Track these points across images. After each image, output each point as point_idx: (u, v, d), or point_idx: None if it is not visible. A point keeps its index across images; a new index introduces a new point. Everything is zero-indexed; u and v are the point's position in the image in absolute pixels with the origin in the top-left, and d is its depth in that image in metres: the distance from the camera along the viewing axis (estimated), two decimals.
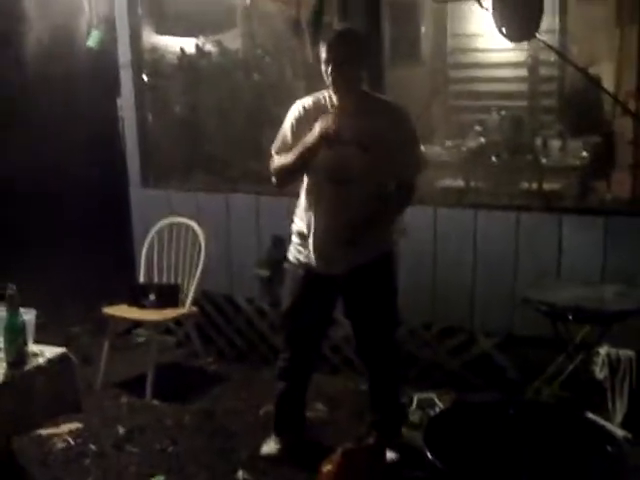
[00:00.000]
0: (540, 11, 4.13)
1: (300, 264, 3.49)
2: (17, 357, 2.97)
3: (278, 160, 3.41)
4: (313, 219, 3.39)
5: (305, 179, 3.43)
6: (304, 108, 3.37)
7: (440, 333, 4.53)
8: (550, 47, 4.86)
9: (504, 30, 4.11)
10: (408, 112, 3.45)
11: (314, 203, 3.39)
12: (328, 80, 3.25)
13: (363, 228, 3.29)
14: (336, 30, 3.36)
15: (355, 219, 3.27)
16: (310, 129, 3.23)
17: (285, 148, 3.40)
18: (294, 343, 3.63)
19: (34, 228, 5.36)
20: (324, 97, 3.37)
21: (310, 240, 3.40)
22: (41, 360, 3.03)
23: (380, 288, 3.52)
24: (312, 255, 3.40)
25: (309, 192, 3.41)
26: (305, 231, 3.43)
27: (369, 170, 3.27)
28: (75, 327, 5.48)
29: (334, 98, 3.31)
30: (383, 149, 3.26)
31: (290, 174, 3.38)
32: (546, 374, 3.97)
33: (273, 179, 3.45)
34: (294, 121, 3.38)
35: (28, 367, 2.98)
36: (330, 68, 3.20)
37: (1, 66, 5.15)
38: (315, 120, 3.24)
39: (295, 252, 3.52)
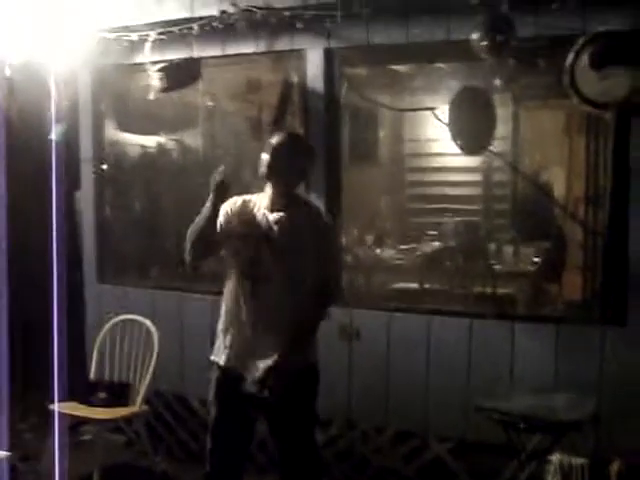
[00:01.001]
0: (493, 125, 4.31)
1: (219, 367, 3.42)
2: None
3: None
4: (231, 317, 3.37)
5: (227, 278, 3.42)
6: (236, 205, 3.40)
7: (393, 437, 4.50)
8: (500, 157, 5.03)
9: (459, 142, 4.26)
10: (332, 225, 3.56)
11: (232, 301, 3.37)
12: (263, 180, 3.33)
13: (279, 330, 3.26)
14: (277, 137, 3.39)
15: (271, 320, 3.26)
16: (240, 225, 3.33)
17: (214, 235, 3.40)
18: (213, 460, 3.48)
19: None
20: (254, 199, 3.42)
21: (228, 337, 3.37)
22: None
23: (302, 409, 3.42)
24: (228, 353, 3.36)
25: (228, 290, 3.40)
26: (223, 329, 3.40)
27: (285, 270, 3.27)
28: (21, 423, 5.32)
29: (265, 198, 3.36)
30: (301, 252, 3.28)
31: (199, 235, 3.32)
32: None
33: (186, 255, 3.39)
34: (228, 214, 3.39)
35: None
36: (265, 171, 3.29)
37: None
38: (248, 216, 3.34)
39: (216, 351, 3.45)
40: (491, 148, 4.47)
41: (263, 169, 3.31)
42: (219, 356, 3.42)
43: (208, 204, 3.28)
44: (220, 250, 3.43)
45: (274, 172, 3.29)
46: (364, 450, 4.54)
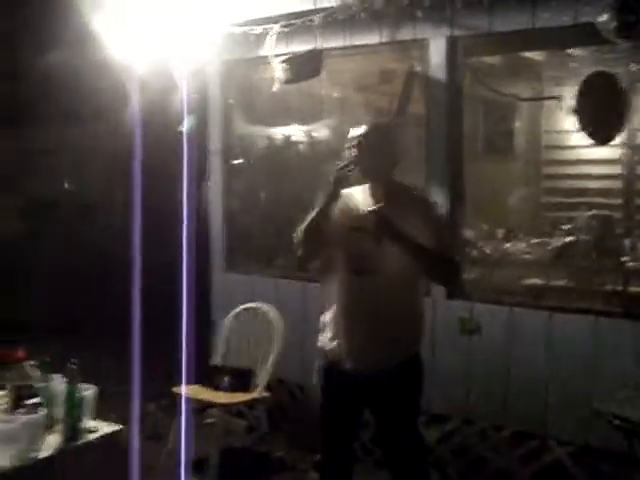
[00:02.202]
0: (624, 112, 4.08)
1: (327, 359, 3.40)
2: (71, 432, 3.03)
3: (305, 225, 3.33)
4: (338, 313, 3.34)
5: (334, 270, 3.38)
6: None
7: (511, 437, 4.35)
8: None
9: (588, 131, 4.07)
10: (433, 204, 3.46)
11: (338, 297, 3.34)
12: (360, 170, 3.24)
13: (387, 322, 3.23)
14: (367, 124, 3.33)
15: (378, 313, 3.22)
16: (344, 219, 3.27)
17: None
18: (327, 448, 3.51)
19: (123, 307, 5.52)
20: (355, 192, 3.36)
21: (336, 328, 3.35)
22: (94, 436, 3.09)
23: (407, 395, 3.36)
24: (337, 347, 3.33)
25: (334, 286, 3.37)
26: (331, 324, 3.38)
27: (390, 262, 3.19)
28: (152, 403, 5.56)
29: (366, 190, 3.33)
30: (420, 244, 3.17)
31: (313, 232, 3.26)
32: None
33: (299, 253, 3.35)
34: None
35: (81, 442, 3.04)
36: (360, 159, 3.21)
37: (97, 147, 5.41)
38: (351, 209, 3.29)
39: (323, 340, 3.43)
40: (633, 140, 4.24)
41: (354, 162, 3.22)
42: (327, 345, 3.41)
43: (323, 199, 3.23)
44: (331, 247, 3.37)
45: (364, 163, 3.22)
46: (480, 448, 4.42)
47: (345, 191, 3.35)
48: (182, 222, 5.11)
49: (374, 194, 3.31)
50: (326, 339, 3.42)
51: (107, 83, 5.27)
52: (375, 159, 3.25)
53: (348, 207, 3.33)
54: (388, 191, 3.30)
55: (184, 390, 4.70)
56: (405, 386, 3.35)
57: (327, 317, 3.43)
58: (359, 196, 3.36)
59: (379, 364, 3.26)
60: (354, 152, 3.24)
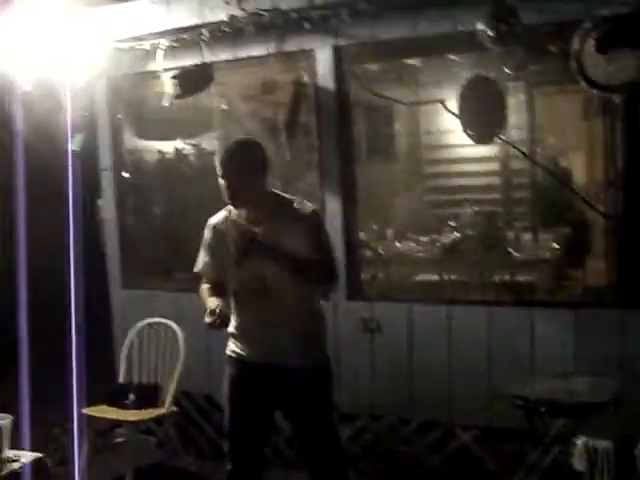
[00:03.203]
0: (503, 113, 4.33)
1: (233, 359, 3.48)
2: None
3: (201, 291, 3.50)
4: (241, 323, 3.43)
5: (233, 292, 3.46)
6: (215, 229, 3.46)
7: (418, 428, 4.54)
8: (516, 145, 5.04)
9: (469, 132, 4.29)
10: (318, 215, 3.49)
11: (239, 310, 3.43)
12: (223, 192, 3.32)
13: (287, 325, 3.33)
14: (223, 148, 3.42)
15: (278, 318, 3.31)
16: (226, 246, 3.35)
17: (208, 271, 3.50)
18: (235, 455, 3.53)
19: (16, 331, 5.37)
20: (234, 213, 3.43)
21: (241, 335, 3.43)
22: (16, 466, 3.04)
23: (319, 396, 3.46)
24: (243, 345, 3.42)
25: (234, 300, 3.45)
26: (235, 331, 3.46)
27: (283, 279, 3.29)
28: (56, 427, 5.43)
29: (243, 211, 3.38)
30: (291, 253, 3.27)
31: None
32: (525, 467, 3.98)
33: None
34: (209, 244, 3.49)
35: (3, 473, 2.98)
36: (221, 183, 3.30)
37: None
38: (229, 235, 3.36)
39: (230, 347, 3.51)
40: (507, 137, 4.49)
41: (223, 193, 3.31)
42: (234, 352, 3.48)
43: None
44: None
45: (233, 192, 3.28)
46: (390, 442, 4.59)
47: (223, 213, 3.46)
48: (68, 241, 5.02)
49: (249, 216, 3.36)
50: (233, 347, 3.49)
51: None
52: (236, 187, 3.27)
53: (230, 230, 3.39)
54: (264, 210, 3.34)
55: (89, 411, 4.64)
56: (314, 384, 3.43)
57: (231, 327, 3.48)
58: (240, 216, 3.41)
59: (284, 364, 3.33)
60: (222, 183, 3.29)
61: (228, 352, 3.52)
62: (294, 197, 3.46)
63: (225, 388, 3.53)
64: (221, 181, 3.30)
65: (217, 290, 3.42)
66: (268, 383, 3.38)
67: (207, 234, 3.50)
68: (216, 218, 3.50)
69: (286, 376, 3.34)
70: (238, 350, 3.46)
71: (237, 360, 3.46)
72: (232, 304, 3.44)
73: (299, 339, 3.36)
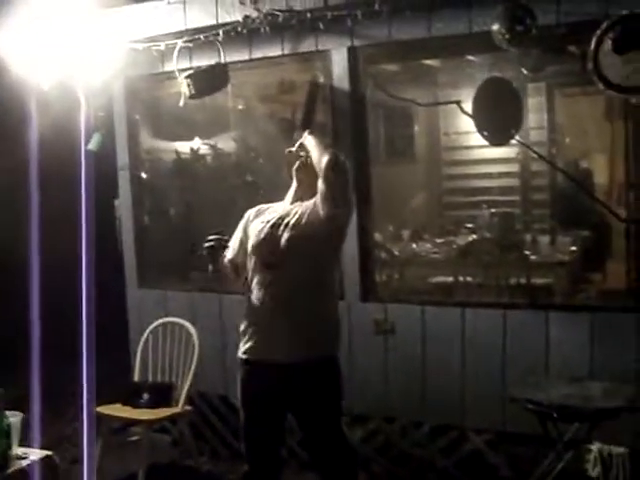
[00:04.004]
0: (519, 114, 4.30)
1: (243, 361, 3.49)
2: (1, 460, 2.99)
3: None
4: (253, 309, 3.45)
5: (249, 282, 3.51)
6: (257, 212, 3.58)
7: (431, 431, 4.52)
8: (529, 148, 5.01)
9: (484, 133, 4.26)
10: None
11: (253, 304, 3.45)
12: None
13: (301, 323, 3.35)
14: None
15: (292, 315, 3.34)
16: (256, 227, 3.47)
17: (240, 253, 3.55)
18: (251, 456, 3.55)
19: (32, 328, 5.41)
20: (277, 207, 3.54)
21: (251, 329, 3.45)
22: (24, 463, 3.06)
23: (325, 395, 3.47)
24: (253, 342, 3.43)
25: (250, 280, 3.49)
26: (246, 323, 3.49)
27: (300, 252, 3.35)
28: (70, 426, 5.47)
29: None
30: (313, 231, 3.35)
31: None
32: (538, 472, 3.95)
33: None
34: (247, 224, 3.57)
35: (11, 470, 3.00)
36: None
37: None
38: (263, 217, 3.50)
39: (241, 347, 3.52)
40: (525, 138, 4.45)
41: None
42: (244, 352, 3.49)
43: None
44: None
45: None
46: (403, 444, 4.57)
47: (269, 206, 3.56)
48: (81, 241, 5.03)
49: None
50: (244, 347, 3.50)
51: (8, 101, 5.18)
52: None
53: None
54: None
55: (103, 409, 4.67)
56: (323, 386, 3.44)
57: (243, 326, 3.51)
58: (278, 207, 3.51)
59: (296, 361, 3.34)
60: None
61: (239, 355, 3.53)
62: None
63: (238, 391, 3.54)
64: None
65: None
66: (277, 381, 3.38)
67: (245, 219, 3.62)
68: (258, 207, 3.63)
69: (293, 372, 3.35)
70: (247, 349, 3.46)
71: (246, 361, 3.47)
72: (248, 298, 3.48)
73: (311, 334, 3.37)
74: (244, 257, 3.53)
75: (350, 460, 3.58)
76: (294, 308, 3.35)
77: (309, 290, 3.38)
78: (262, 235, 3.41)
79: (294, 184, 3.54)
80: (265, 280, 3.39)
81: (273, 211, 3.51)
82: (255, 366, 3.44)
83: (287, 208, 3.47)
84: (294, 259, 3.34)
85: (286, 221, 3.38)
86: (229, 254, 3.59)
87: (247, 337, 3.47)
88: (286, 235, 3.35)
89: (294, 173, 3.53)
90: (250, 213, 3.62)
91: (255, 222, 3.52)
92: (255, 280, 3.44)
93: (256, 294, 3.42)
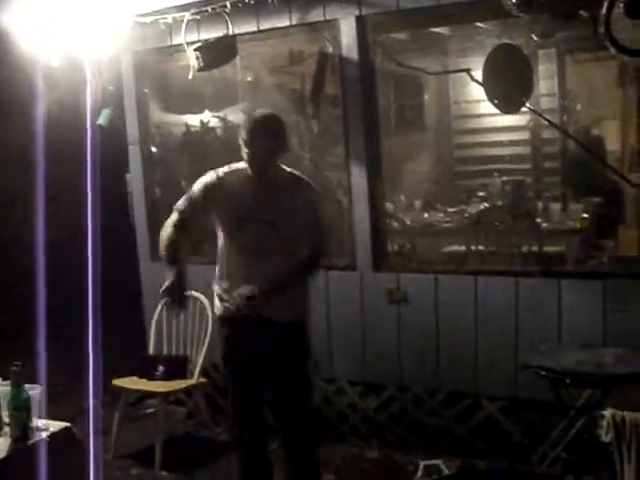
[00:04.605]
0: (530, 81, 4.27)
1: (223, 316, 3.60)
2: (21, 432, 3.03)
3: (166, 226, 3.63)
4: (228, 284, 3.53)
5: (220, 248, 3.62)
6: (218, 177, 3.57)
7: (445, 399, 4.54)
8: (540, 115, 4.97)
9: (495, 101, 4.24)
10: (315, 191, 3.57)
11: (228, 272, 3.56)
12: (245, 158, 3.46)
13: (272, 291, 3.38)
14: (252, 116, 3.52)
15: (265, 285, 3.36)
16: (222, 196, 3.48)
17: (190, 209, 3.59)
18: (239, 417, 3.66)
19: (49, 304, 5.46)
20: (240, 168, 3.55)
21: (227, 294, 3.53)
22: (44, 435, 3.10)
23: (294, 355, 3.58)
24: (232, 300, 3.48)
25: (224, 261, 3.59)
26: (222, 292, 3.58)
27: (279, 244, 3.44)
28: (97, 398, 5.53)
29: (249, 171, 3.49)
30: (291, 226, 3.44)
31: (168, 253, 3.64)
32: (551, 438, 3.98)
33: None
34: (208, 185, 3.57)
35: (31, 442, 3.04)
36: (247, 151, 3.43)
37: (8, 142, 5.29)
38: (230, 186, 3.50)
39: (218, 307, 3.64)
40: (536, 105, 4.42)
41: (247, 158, 3.45)
42: (222, 304, 3.60)
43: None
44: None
45: (259, 160, 3.43)
46: (417, 413, 4.60)
47: (220, 171, 3.59)
48: (86, 214, 5.03)
49: (255, 183, 3.48)
50: (220, 306, 3.62)
51: (16, 78, 5.18)
52: (263, 155, 3.42)
53: (228, 187, 3.52)
54: (269, 180, 3.49)
55: (119, 382, 4.72)
56: (295, 339, 3.56)
57: (217, 288, 3.65)
58: (239, 176, 3.52)
59: (268, 317, 3.43)
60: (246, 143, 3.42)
61: (217, 312, 3.67)
62: (297, 173, 3.60)
63: (220, 349, 3.66)
64: (247, 148, 3.42)
65: (183, 233, 3.61)
66: (255, 334, 3.47)
67: (207, 179, 3.59)
68: (220, 169, 3.61)
69: (270, 329, 3.45)
70: (226, 306, 3.54)
71: (226, 318, 3.57)
72: (221, 262, 3.61)
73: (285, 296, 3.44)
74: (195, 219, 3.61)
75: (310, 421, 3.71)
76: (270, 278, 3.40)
77: (284, 269, 3.43)
78: (240, 225, 3.47)
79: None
80: (242, 263, 3.50)
81: (236, 178, 3.52)
82: (233, 320, 3.53)
83: (262, 201, 3.45)
84: (274, 249, 3.45)
85: (264, 215, 3.42)
86: (179, 207, 3.63)
87: (225, 297, 3.57)
88: (269, 232, 3.42)
89: None
90: (211, 176, 3.59)
91: (217, 189, 3.53)
92: (229, 259, 3.57)
93: (229, 272, 3.56)
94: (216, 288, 3.65)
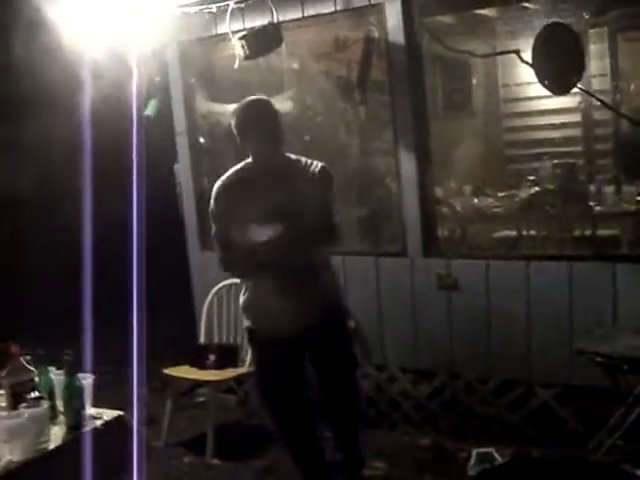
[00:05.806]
0: (581, 61, 4.16)
1: (255, 331, 3.60)
2: (75, 420, 3.08)
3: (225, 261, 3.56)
4: (253, 292, 3.54)
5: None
6: (223, 186, 3.53)
7: (497, 386, 4.48)
8: (593, 95, 4.85)
9: (546, 82, 4.15)
10: (327, 172, 3.50)
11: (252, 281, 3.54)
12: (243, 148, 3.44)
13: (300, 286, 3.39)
14: (243, 102, 3.50)
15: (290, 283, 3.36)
16: (234, 201, 3.42)
17: (220, 228, 3.52)
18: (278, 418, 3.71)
19: (100, 294, 5.53)
20: (244, 168, 3.53)
21: (254, 309, 3.55)
22: (98, 423, 3.14)
23: (337, 346, 3.60)
24: (261, 319, 3.52)
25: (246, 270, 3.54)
26: (249, 304, 3.58)
27: (294, 242, 3.32)
28: (142, 387, 5.59)
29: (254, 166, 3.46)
30: (304, 215, 3.34)
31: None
32: (607, 426, 3.89)
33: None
34: (216, 197, 3.53)
35: (85, 430, 3.09)
36: (240, 138, 3.42)
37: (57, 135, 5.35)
38: (238, 190, 3.43)
39: (248, 324, 3.64)
40: (588, 86, 4.31)
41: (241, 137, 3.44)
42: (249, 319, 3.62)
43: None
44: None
45: (251, 138, 3.43)
46: (469, 400, 4.55)
47: (232, 172, 3.56)
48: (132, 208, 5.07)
49: (260, 171, 3.46)
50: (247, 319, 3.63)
51: (61, 71, 5.23)
52: (269, 139, 3.43)
53: (241, 188, 3.47)
54: (275, 166, 3.46)
55: (170, 371, 4.76)
56: (332, 335, 3.57)
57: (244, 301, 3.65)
58: (249, 172, 3.50)
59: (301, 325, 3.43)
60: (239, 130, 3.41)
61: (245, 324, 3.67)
62: (302, 158, 3.57)
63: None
64: (245, 138, 3.43)
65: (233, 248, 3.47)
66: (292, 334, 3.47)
67: (214, 195, 3.54)
68: (224, 177, 3.58)
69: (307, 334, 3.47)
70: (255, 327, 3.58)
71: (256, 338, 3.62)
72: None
73: (315, 302, 3.44)
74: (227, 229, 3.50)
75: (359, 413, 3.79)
76: (299, 286, 3.41)
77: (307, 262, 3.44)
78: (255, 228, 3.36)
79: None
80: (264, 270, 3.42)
81: (242, 181, 3.49)
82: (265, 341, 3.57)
83: (270, 197, 3.36)
84: (290, 248, 3.35)
85: (276, 213, 3.32)
86: (215, 237, 3.57)
87: (250, 314, 3.62)
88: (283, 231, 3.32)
89: None
90: (217, 190, 3.55)
91: (229, 197, 3.48)
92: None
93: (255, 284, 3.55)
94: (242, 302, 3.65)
